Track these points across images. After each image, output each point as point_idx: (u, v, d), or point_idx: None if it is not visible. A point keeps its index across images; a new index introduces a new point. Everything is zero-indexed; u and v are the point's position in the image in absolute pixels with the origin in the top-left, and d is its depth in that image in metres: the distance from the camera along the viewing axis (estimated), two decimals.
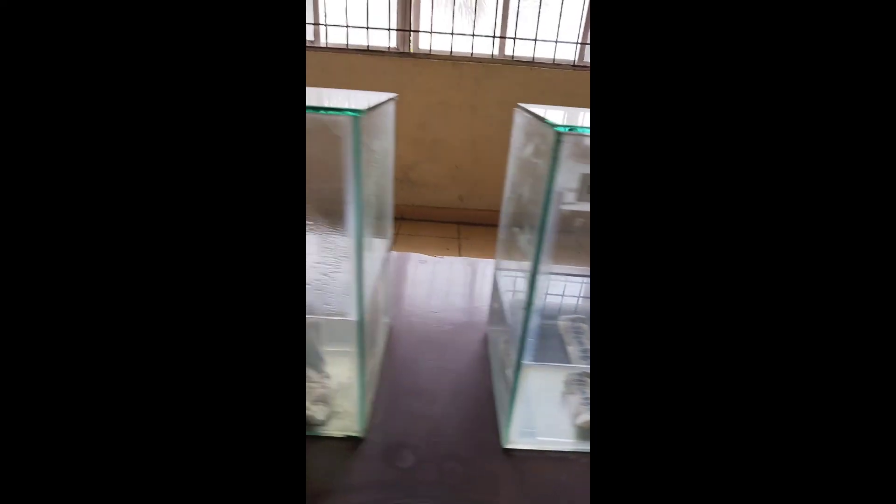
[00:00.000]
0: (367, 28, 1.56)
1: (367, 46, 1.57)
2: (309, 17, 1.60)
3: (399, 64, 1.55)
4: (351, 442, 0.39)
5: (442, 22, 1.60)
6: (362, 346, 0.35)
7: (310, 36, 1.61)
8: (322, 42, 1.61)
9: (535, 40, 1.55)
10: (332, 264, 0.33)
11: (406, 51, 1.61)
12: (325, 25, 1.58)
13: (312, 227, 0.33)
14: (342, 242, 0.32)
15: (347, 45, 1.58)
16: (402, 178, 1.70)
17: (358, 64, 1.55)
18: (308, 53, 1.55)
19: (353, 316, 0.33)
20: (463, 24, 1.62)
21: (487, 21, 1.63)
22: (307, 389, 0.39)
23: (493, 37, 1.61)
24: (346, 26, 1.56)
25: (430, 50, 1.59)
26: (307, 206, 0.32)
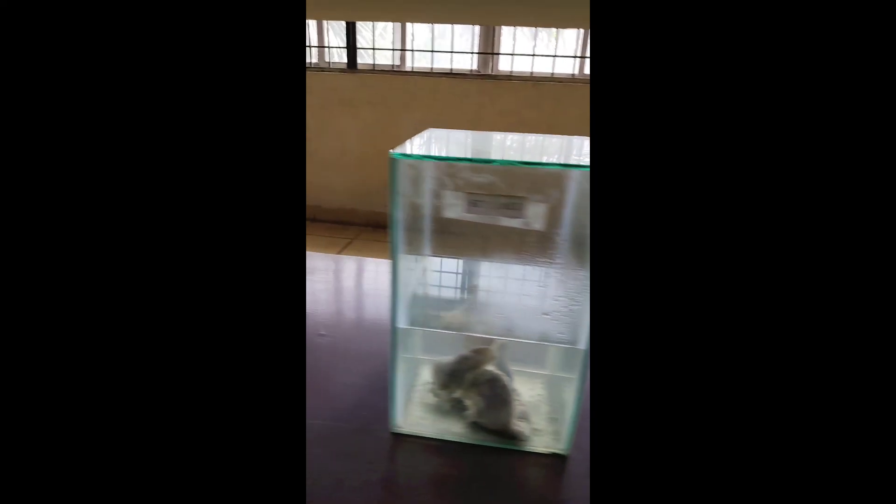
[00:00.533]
0: (452, 52, 1.62)
1: (451, 69, 1.63)
2: (397, 44, 1.68)
3: (480, 85, 1.60)
4: (556, 459, 0.41)
5: (523, 44, 1.63)
6: (585, 372, 0.37)
7: (396, 60, 1.69)
8: (408, 66, 1.69)
9: None
10: (571, 297, 0.35)
11: (487, 73, 1.65)
12: (412, 51, 1.65)
13: (559, 265, 0.35)
14: (581, 278, 0.33)
15: (432, 68, 1.65)
16: None
17: (441, 86, 1.61)
18: (393, 77, 1.62)
19: (582, 345, 0.35)
20: (544, 46, 1.65)
21: (568, 41, 1.65)
22: (512, 406, 0.40)
23: (574, 57, 1.63)
24: (432, 51, 1.63)
25: (511, 71, 1.63)
26: (556, 246, 0.34)
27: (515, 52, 1.62)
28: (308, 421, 0.41)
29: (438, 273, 0.44)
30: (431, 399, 0.43)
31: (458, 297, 0.45)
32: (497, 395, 0.40)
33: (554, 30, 1.61)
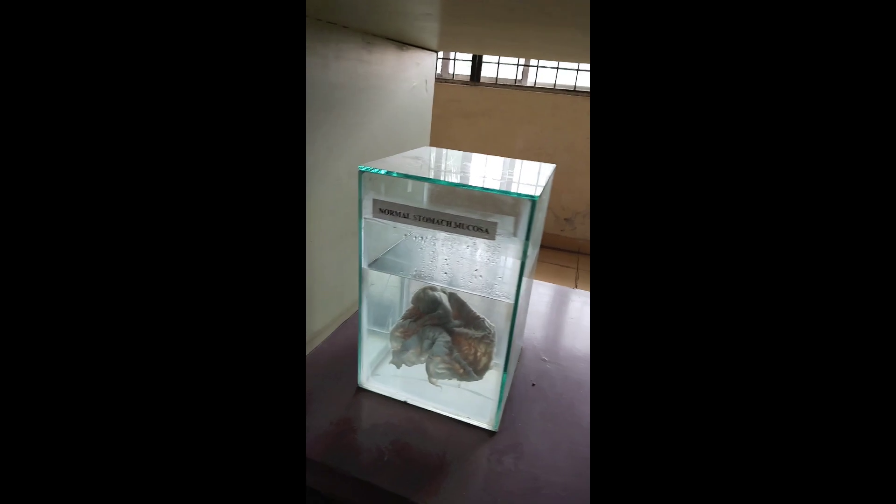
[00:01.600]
0: (577, 70, 1.61)
1: (574, 87, 1.62)
2: (522, 59, 1.69)
3: None
4: None
5: None
6: None
7: (518, 75, 1.71)
8: (529, 82, 1.70)
9: None
10: None
11: None
12: (537, 67, 1.66)
13: None
14: None
15: (555, 85, 1.65)
16: (588, 214, 1.71)
17: (562, 103, 1.60)
18: (514, 92, 1.64)
19: None
20: None
21: None
22: None
23: None
24: (557, 68, 1.63)
25: None
26: None
27: None
28: (585, 451, 0.42)
29: None
30: None
31: None
32: None
33: None
